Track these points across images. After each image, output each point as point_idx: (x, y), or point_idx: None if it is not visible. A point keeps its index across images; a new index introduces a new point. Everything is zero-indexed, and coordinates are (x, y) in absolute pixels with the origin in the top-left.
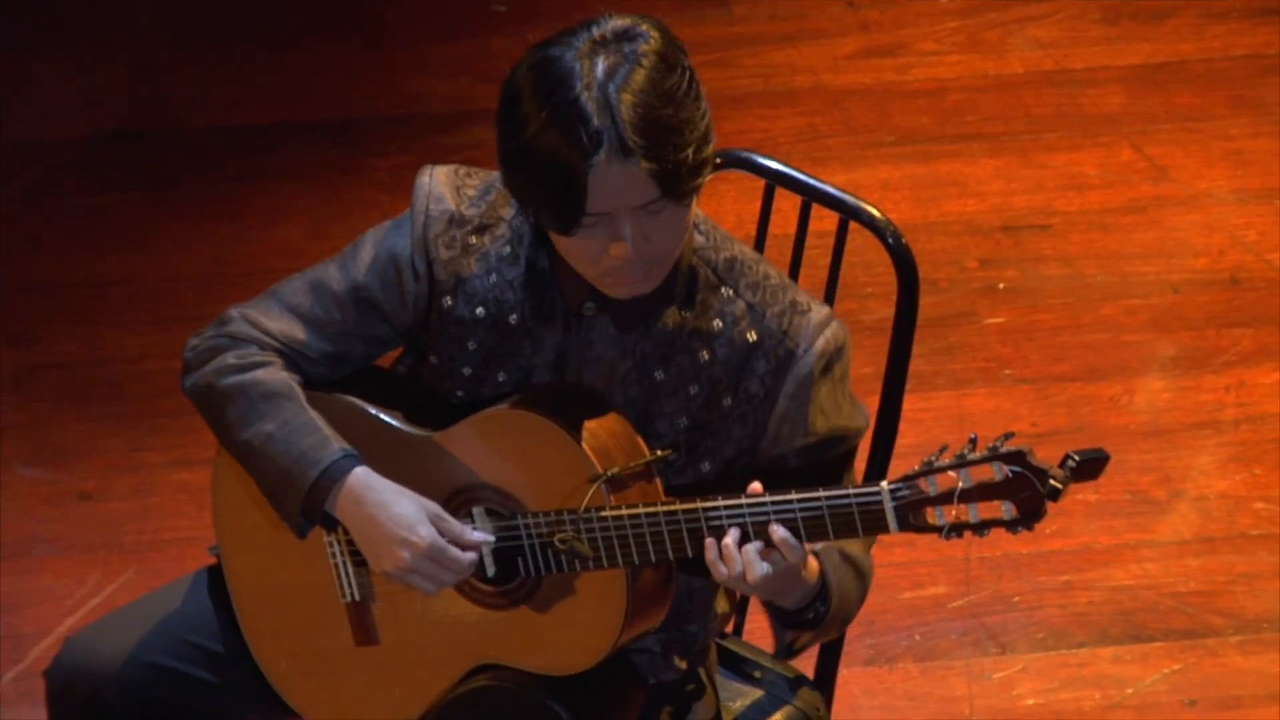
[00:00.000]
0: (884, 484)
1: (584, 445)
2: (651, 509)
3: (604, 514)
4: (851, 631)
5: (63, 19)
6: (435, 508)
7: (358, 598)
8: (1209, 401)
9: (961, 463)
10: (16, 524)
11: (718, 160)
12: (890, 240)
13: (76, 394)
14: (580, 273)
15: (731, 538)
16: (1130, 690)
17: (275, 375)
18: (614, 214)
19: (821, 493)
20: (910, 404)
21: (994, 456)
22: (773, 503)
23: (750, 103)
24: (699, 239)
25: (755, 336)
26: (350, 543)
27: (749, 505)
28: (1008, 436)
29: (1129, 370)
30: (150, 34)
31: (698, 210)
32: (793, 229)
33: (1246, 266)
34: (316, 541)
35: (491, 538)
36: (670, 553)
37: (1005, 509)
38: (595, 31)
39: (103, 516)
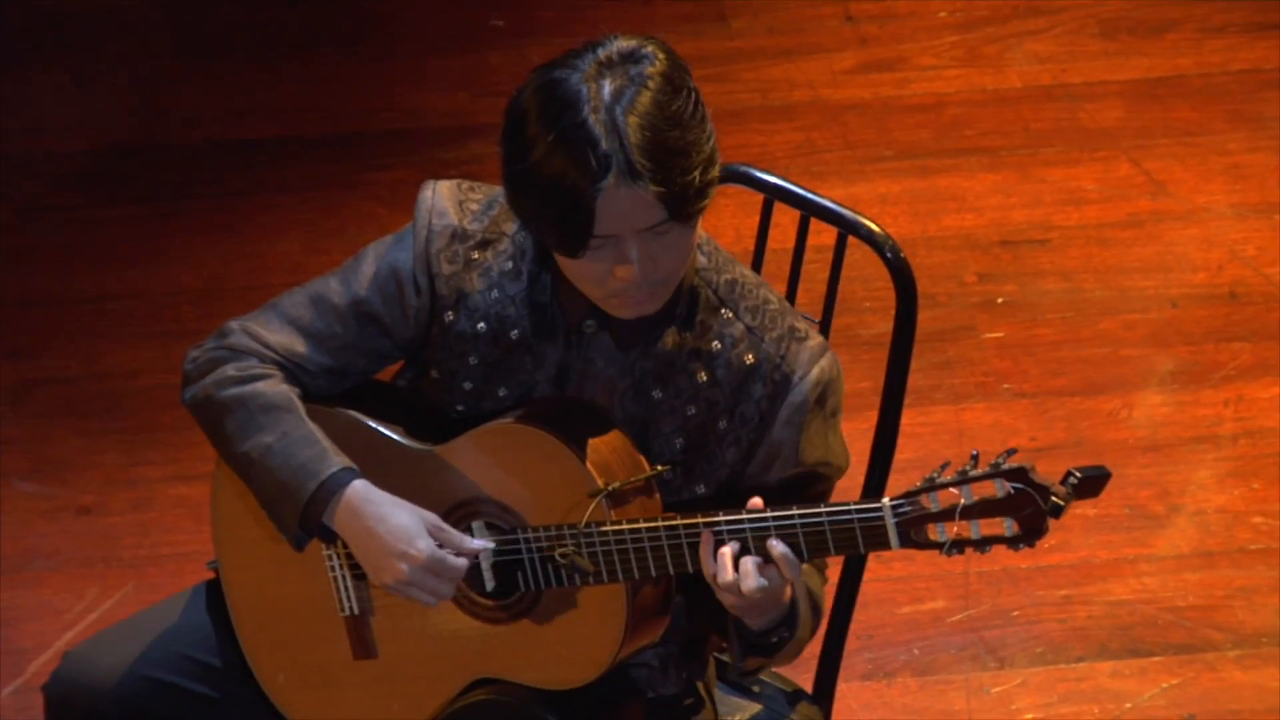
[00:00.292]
0: (886, 500)
1: (585, 460)
2: (652, 524)
3: (605, 529)
4: (850, 645)
5: (63, 33)
6: (434, 519)
7: (357, 611)
8: (1207, 416)
9: (964, 479)
10: (15, 538)
11: None
12: (889, 255)
13: (75, 408)
14: (585, 294)
15: (730, 550)
16: (1129, 705)
17: (275, 388)
18: (620, 236)
19: (823, 508)
20: (909, 419)
21: (996, 473)
22: (774, 518)
23: (749, 117)
24: (701, 260)
25: (753, 360)
26: (349, 556)
27: (750, 520)
28: (1010, 453)
29: (1128, 385)
30: (150, 48)
31: (701, 231)
32: (791, 243)
33: (1245, 281)
34: (316, 555)
35: (491, 544)
36: (670, 567)
37: (1007, 525)
38: (601, 53)
39: (101, 531)
